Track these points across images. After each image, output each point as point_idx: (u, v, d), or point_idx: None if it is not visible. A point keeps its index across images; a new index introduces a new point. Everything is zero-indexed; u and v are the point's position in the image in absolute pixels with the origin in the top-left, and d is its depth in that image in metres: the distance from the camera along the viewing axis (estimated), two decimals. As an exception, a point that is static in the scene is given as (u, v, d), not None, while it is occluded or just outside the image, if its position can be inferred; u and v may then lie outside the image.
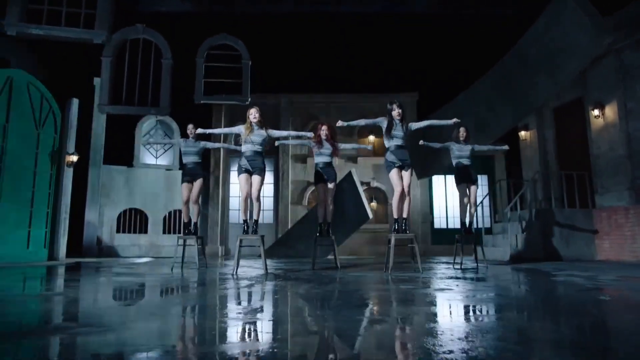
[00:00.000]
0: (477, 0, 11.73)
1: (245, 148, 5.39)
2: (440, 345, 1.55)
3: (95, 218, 12.02)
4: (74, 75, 10.28)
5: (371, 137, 14.01)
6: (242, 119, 12.25)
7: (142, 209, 12.73)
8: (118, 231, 12.46)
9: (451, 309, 2.60)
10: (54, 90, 9.24)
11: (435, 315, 2.37)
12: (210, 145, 6.54)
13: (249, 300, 3.00)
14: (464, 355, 1.43)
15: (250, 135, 5.34)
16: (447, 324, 2.11)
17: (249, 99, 9.71)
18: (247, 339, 1.77)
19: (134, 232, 12.65)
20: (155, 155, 13.11)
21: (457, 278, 4.60)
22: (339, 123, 5.63)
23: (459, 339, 1.67)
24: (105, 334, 1.80)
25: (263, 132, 5.42)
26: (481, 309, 2.55)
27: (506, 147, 6.90)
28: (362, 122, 5.71)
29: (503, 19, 11.52)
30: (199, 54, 10.17)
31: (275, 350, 1.55)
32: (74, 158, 9.02)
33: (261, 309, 2.60)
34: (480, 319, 2.25)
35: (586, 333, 1.94)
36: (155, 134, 13.02)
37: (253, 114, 5.44)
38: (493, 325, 2.02)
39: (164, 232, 12.82)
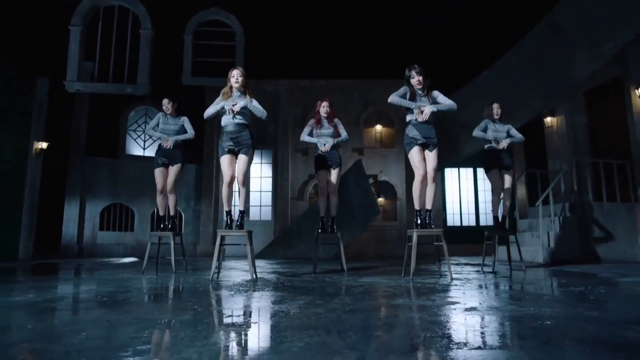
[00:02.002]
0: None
1: (226, 121, 4.22)
2: None
3: (75, 214, 10.94)
4: (49, 54, 9.19)
5: (378, 127, 12.87)
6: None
7: (128, 205, 11.65)
8: (101, 229, 11.39)
9: (540, 347, 1.49)
10: (23, 69, 8.16)
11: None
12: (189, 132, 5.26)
13: (204, 333, 1.89)
14: None
15: (230, 102, 4.18)
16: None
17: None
18: None
19: (119, 229, 11.57)
20: (142, 146, 12.02)
21: (503, 288, 3.47)
22: (426, 110, 4.25)
23: None
24: None
25: (246, 98, 4.22)
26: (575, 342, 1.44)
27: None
28: (395, 100, 4.43)
29: None
30: (187, 31, 9.07)
31: None
32: (43, 145, 7.93)
33: (215, 356, 1.49)
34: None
35: None
36: (143, 124, 11.92)
37: (235, 77, 4.26)
38: None
39: (152, 230, 11.72)
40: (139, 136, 11.91)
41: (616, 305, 2.57)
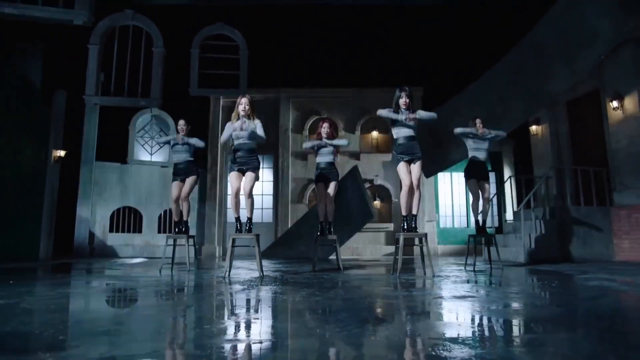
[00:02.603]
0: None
1: (236, 144, 4.87)
2: None
3: (87, 217, 11.52)
4: (63, 66, 9.80)
5: (374, 133, 13.50)
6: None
7: (137, 208, 12.24)
8: (111, 230, 11.98)
9: (478, 322, 2.10)
10: (41, 81, 8.78)
11: (454, 328, 1.87)
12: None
13: (234, 312, 2.50)
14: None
15: (240, 126, 4.81)
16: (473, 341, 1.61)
17: (246, 92, 9.26)
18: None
19: (128, 231, 12.16)
20: (150, 152, 12.62)
21: (475, 282, 4.10)
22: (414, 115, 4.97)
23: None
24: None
25: (252, 124, 4.87)
26: (504, 319, 2.05)
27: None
28: (383, 112, 5.13)
29: (515, 6, 10.95)
30: (194, 44, 9.69)
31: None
32: (61, 153, 8.54)
33: (254, 320, 2.11)
34: (502, 332, 1.75)
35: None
36: (150, 130, 12.54)
37: (243, 104, 4.89)
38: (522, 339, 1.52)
39: (159, 232, 12.33)
40: (146, 142, 12.51)
41: (550, 294, 3.18)
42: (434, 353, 1.48)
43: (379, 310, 2.57)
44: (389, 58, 13.67)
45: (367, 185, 12.45)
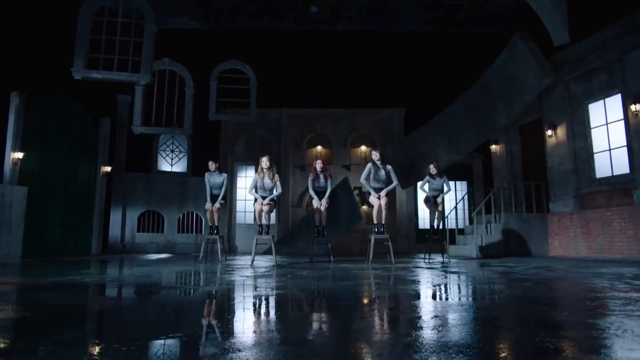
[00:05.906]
0: (466, 20, 11.61)
1: (260, 193, 6.98)
2: (385, 288, 3.18)
3: (119, 219, 13.60)
4: (102, 94, 11.87)
5: (362, 147, 15.64)
6: (245, 131, 13.92)
7: (159, 211, 14.33)
8: (138, 230, 14.06)
9: (398, 277, 4.23)
10: (88, 109, 10.84)
11: (388, 279, 4.00)
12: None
13: (272, 277, 4.64)
14: (401, 291, 3.06)
15: (262, 180, 6.93)
16: (396, 282, 3.74)
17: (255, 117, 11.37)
18: (276, 290, 3.41)
19: (152, 231, 14.25)
20: (170, 163, 14.71)
21: (416, 267, 6.25)
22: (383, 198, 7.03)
23: (397, 287, 3.31)
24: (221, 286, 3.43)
25: (272, 182, 6.96)
26: (413, 277, 4.19)
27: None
28: (363, 181, 7.21)
29: (490, 38, 12.80)
30: (212, 77, 11.75)
31: (288, 294, 3.18)
32: (108, 169, 10.60)
33: (281, 280, 4.24)
34: (411, 281, 3.89)
35: (470, 290, 3.59)
36: (171, 144, 14.63)
37: (265, 161, 7.01)
38: (413, 284, 3.67)
39: (178, 232, 14.42)
40: (167, 155, 14.62)
41: (469, 277, 5.32)
42: (368, 286, 3.62)
43: (348, 276, 4.71)
44: (375, 82, 15.82)
45: (355, 192, 14.59)
